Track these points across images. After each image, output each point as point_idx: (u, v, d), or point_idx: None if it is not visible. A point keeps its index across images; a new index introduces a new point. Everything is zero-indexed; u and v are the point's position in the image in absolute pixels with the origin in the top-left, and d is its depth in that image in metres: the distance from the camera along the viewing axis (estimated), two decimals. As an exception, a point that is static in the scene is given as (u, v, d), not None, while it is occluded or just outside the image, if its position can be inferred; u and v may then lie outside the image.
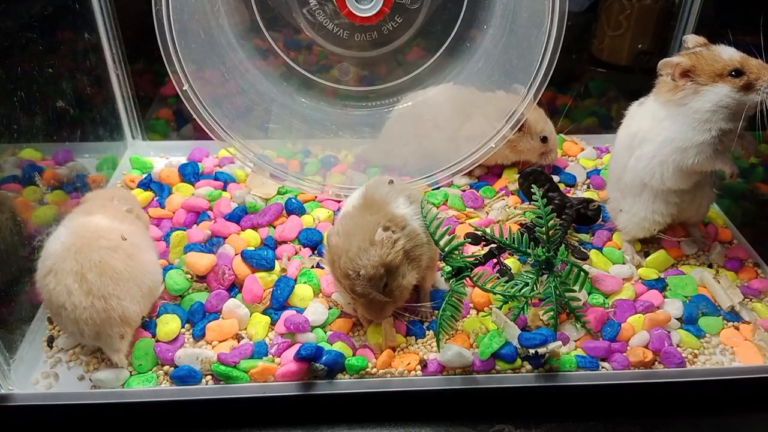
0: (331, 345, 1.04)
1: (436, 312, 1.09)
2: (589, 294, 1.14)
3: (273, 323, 1.08)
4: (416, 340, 1.07)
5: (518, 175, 1.40)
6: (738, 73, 1.06)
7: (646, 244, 1.27)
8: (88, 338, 0.99)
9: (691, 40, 1.16)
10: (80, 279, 0.97)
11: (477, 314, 1.12)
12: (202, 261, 1.14)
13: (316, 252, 1.24)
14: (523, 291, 1.05)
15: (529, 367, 1.02)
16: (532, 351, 1.00)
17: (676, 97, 1.11)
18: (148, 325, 1.07)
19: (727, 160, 1.13)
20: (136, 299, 1.02)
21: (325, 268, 1.19)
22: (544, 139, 1.44)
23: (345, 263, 0.96)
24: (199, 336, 1.06)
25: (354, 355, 1.02)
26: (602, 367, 1.03)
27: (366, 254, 0.95)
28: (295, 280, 1.15)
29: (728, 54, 1.08)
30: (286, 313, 1.08)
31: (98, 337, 0.99)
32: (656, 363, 1.04)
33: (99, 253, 1.00)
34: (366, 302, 0.99)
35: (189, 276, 1.14)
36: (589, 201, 1.31)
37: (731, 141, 1.11)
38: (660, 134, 1.14)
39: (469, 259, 1.06)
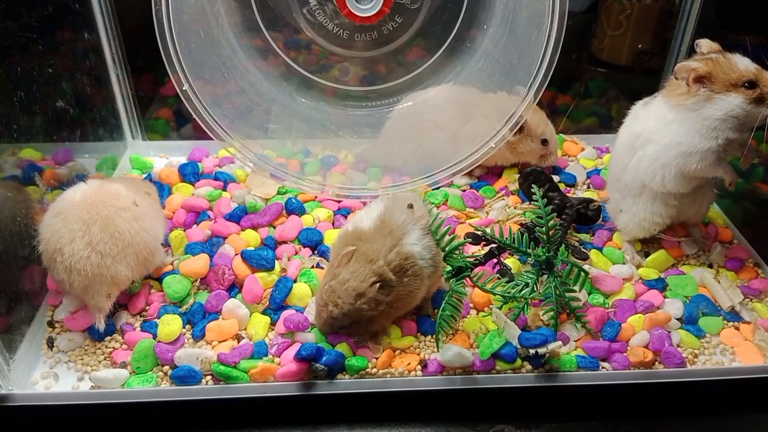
0: (332, 346, 1.03)
1: (436, 311, 1.09)
2: (589, 294, 1.14)
3: (273, 323, 1.08)
4: (425, 336, 1.07)
5: (518, 175, 1.40)
6: (752, 84, 1.06)
7: (647, 244, 1.27)
8: (77, 289, 1.02)
9: (705, 45, 1.15)
10: (85, 228, 1.01)
11: (477, 314, 1.12)
12: (197, 264, 1.15)
13: (316, 252, 1.24)
14: (523, 292, 1.05)
15: (529, 367, 1.02)
16: (532, 351, 1.00)
17: (687, 102, 1.10)
18: (149, 326, 1.07)
19: (728, 168, 1.13)
20: (131, 265, 1.06)
21: (324, 267, 1.19)
22: (545, 142, 1.45)
23: (321, 289, 1.00)
24: (199, 336, 1.06)
25: (354, 355, 1.02)
26: (602, 367, 1.03)
27: (337, 296, 0.97)
28: (295, 280, 1.15)
29: (744, 64, 1.08)
30: (286, 313, 1.08)
31: (86, 291, 1.02)
32: (656, 363, 1.04)
33: (108, 210, 1.04)
34: (320, 317, 1.03)
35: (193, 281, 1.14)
36: (589, 201, 1.30)
37: (735, 150, 1.11)
38: (666, 137, 1.13)
39: (469, 259, 1.06)
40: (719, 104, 1.08)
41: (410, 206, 1.05)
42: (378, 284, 0.97)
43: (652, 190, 1.18)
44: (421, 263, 1.01)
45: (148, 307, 1.11)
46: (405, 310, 1.05)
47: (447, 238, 1.03)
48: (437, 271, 1.05)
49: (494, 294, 1.06)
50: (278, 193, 1.39)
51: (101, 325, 1.03)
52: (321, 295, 1.01)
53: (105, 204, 1.05)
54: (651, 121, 1.16)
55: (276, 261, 1.18)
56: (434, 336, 1.05)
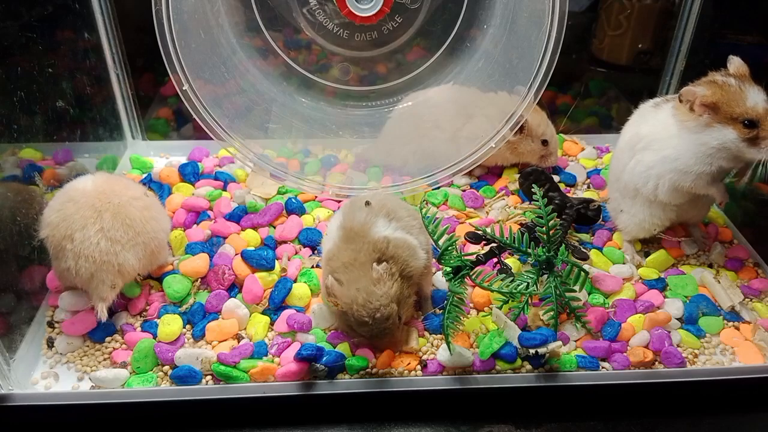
0: (334, 347, 1.03)
1: (437, 309, 1.09)
2: (589, 294, 1.14)
3: (273, 323, 1.08)
4: (436, 335, 1.07)
5: (518, 175, 1.40)
6: (751, 124, 1.05)
7: (647, 244, 1.27)
8: (82, 277, 1.01)
9: (735, 64, 1.11)
10: (97, 215, 1.02)
11: (477, 314, 1.12)
12: (196, 264, 1.14)
13: (316, 252, 1.24)
14: (520, 288, 1.04)
15: (529, 367, 1.02)
16: (532, 351, 1.00)
17: (689, 123, 1.09)
18: (149, 326, 1.07)
19: (721, 187, 1.14)
20: (138, 255, 1.06)
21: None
22: (545, 143, 1.45)
23: (358, 311, 0.95)
24: (199, 336, 1.06)
25: (354, 355, 1.02)
26: (602, 367, 1.03)
27: (374, 296, 0.95)
28: (295, 280, 1.15)
29: (753, 101, 1.05)
30: (288, 312, 1.08)
31: (90, 280, 1.01)
32: (656, 363, 1.04)
33: (120, 198, 1.05)
34: (381, 337, 0.99)
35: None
36: (590, 201, 1.30)
37: (728, 173, 1.12)
38: (665, 149, 1.13)
39: (466, 258, 1.06)
40: (715, 134, 1.07)
41: (367, 203, 1.06)
42: (382, 262, 0.97)
43: (645, 196, 1.18)
44: (398, 236, 1.02)
45: (148, 307, 1.11)
46: (418, 270, 1.04)
47: (445, 237, 1.03)
48: (428, 253, 1.06)
49: (494, 291, 1.06)
50: (278, 192, 1.39)
51: (104, 316, 1.01)
52: (361, 323, 0.96)
53: (116, 193, 1.06)
54: (656, 128, 1.16)
55: (276, 261, 1.18)
56: (440, 334, 1.06)
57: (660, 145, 1.14)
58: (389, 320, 0.96)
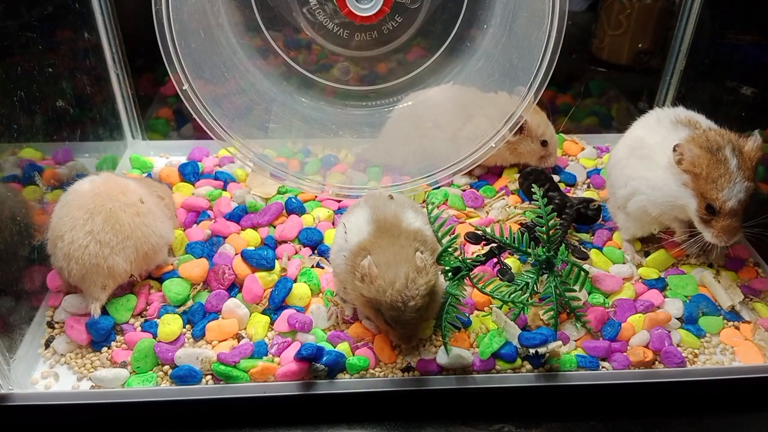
0: (334, 346, 1.03)
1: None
2: (589, 294, 1.14)
3: (272, 323, 1.08)
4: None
5: (518, 175, 1.40)
6: (711, 210, 1.08)
7: (646, 244, 1.27)
8: (74, 278, 1.04)
9: (754, 143, 1.10)
10: (88, 216, 1.04)
11: (477, 314, 1.12)
12: (194, 271, 1.14)
13: (316, 251, 1.24)
14: (522, 298, 1.05)
15: (529, 366, 1.02)
16: (532, 351, 1.00)
17: (675, 170, 1.12)
18: (149, 326, 1.07)
19: (683, 226, 1.17)
20: (129, 258, 1.07)
21: (324, 267, 1.19)
22: (544, 143, 1.45)
23: (393, 296, 0.93)
24: (199, 336, 1.06)
25: (354, 354, 1.02)
26: (602, 367, 1.03)
27: (415, 284, 0.93)
28: (295, 280, 1.15)
29: (728, 195, 1.06)
30: (288, 312, 1.08)
31: (83, 280, 1.04)
32: (656, 363, 1.04)
33: (114, 203, 1.06)
34: (404, 328, 0.97)
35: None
36: (590, 201, 1.30)
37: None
38: (652, 173, 1.16)
39: (467, 260, 1.06)
40: (683, 195, 1.11)
41: (390, 197, 1.07)
42: (419, 251, 0.96)
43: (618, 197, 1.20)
44: (428, 235, 1.03)
45: (148, 307, 1.11)
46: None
47: (448, 238, 1.03)
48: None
49: (493, 297, 1.06)
50: (278, 192, 1.39)
51: (96, 313, 1.04)
52: (392, 307, 0.94)
53: (111, 197, 1.07)
54: (658, 149, 1.16)
55: (276, 261, 1.18)
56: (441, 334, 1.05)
57: (651, 166, 1.16)
58: (419, 311, 0.95)
